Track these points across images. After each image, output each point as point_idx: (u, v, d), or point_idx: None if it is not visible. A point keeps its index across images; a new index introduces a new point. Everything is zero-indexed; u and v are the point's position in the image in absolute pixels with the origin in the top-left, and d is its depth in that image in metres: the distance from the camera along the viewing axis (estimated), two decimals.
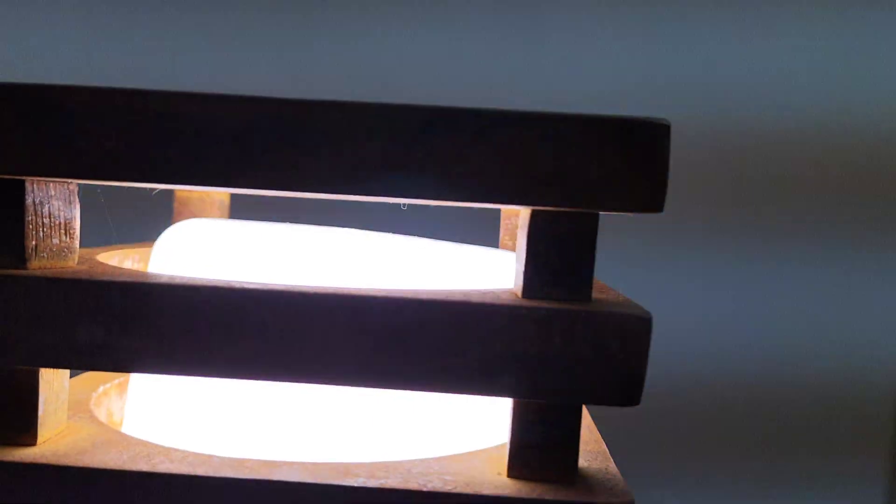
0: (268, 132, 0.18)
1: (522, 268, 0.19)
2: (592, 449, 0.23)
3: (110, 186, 0.21)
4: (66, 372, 0.21)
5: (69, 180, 0.20)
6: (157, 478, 0.19)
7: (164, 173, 0.18)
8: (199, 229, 0.25)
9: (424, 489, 0.19)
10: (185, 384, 0.23)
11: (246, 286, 0.19)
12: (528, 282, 0.19)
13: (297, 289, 0.19)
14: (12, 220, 0.19)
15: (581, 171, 0.18)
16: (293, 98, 0.18)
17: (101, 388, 0.26)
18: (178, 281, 0.19)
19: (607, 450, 0.23)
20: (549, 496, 0.19)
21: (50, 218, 0.20)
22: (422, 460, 0.21)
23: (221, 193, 0.36)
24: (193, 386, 0.23)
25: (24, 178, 0.19)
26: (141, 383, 0.25)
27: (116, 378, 0.28)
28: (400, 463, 0.20)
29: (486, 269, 0.24)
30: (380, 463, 0.20)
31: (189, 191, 0.34)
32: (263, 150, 0.18)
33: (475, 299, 0.19)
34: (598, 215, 0.19)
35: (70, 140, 0.18)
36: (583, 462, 0.21)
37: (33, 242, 0.20)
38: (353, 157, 0.18)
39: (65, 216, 0.21)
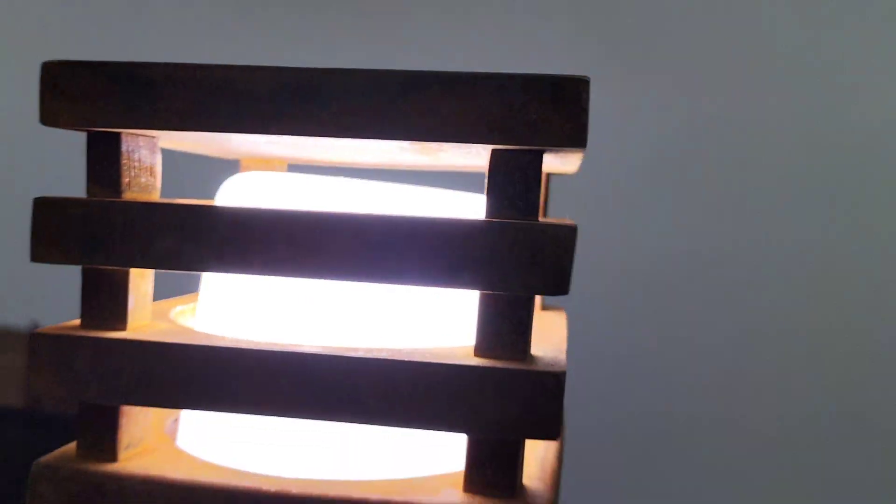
0: (293, 92, 0.25)
1: (486, 197, 0.25)
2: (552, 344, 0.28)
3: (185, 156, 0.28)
4: (151, 277, 0.28)
5: (151, 132, 0.27)
6: (222, 351, 0.25)
7: (219, 124, 0.25)
8: (256, 179, 0.32)
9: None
10: (242, 295, 0.30)
11: (279, 210, 0.25)
12: (490, 207, 0.25)
13: (317, 212, 0.25)
14: (111, 163, 0.27)
15: (523, 117, 0.24)
16: (309, 67, 0.25)
17: (178, 308, 0.34)
18: (228, 208, 0.26)
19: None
20: (511, 367, 0.25)
21: (139, 162, 0.27)
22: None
23: (281, 161, 0.42)
24: (248, 295, 0.30)
25: (119, 130, 0.26)
26: (207, 299, 0.32)
27: (191, 303, 0.35)
28: None
29: (470, 205, 0.30)
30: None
31: (251, 157, 0.41)
32: (290, 105, 0.25)
33: (448, 219, 0.25)
34: (541, 153, 0.25)
35: (152, 102, 0.25)
36: (537, 350, 0.27)
37: (126, 180, 0.27)
38: (354, 108, 0.24)
39: (149, 161, 0.28)
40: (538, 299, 0.41)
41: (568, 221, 0.25)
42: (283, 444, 0.28)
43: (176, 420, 0.32)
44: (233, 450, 0.28)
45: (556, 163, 0.30)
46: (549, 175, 0.39)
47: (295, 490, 0.25)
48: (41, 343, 0.26)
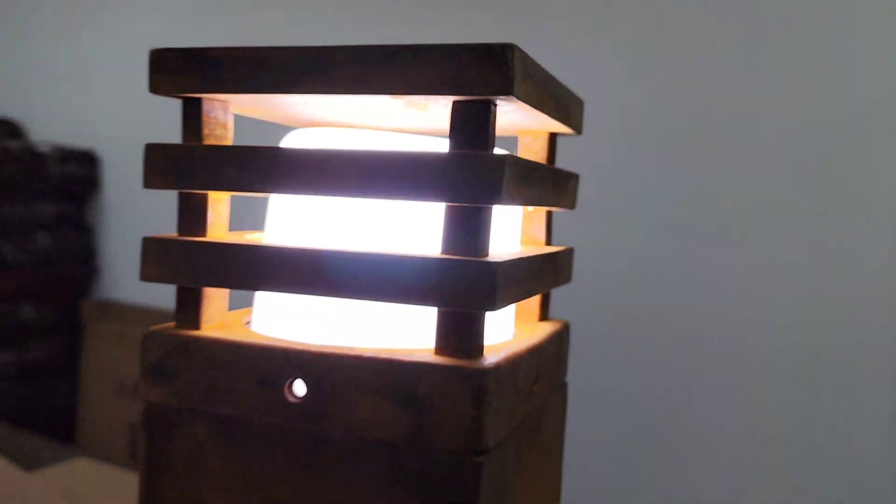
0: (310, 63, 0.35)
1: (449, 135, 0.34)
2: None
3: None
4: (226, 201, 0.39)
5: (221, 96, 0.38)
6: (264, 249, 0.36)
7: (263, 87, 0.36)
8: (296, 134, 0.42)
9: None
10: (288, 215, 0.41)
11: (300, 149, 0.35)
12: (453, 143, 0.34)
13: (326, 150, 0.35)
14: (196, 119, 0.38)
15: (468, 75, 0.33)
16: (319, 45, 0.35)
17: (254, 234, 0.45)
18: (269, 148, 0.36)
19: None
20: (466, 259, 0.34)
21: (215, 119, 0.38)
22: None
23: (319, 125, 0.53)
24: (291, 215, 0.40)
25: (200, 96, 0.37)
26: (269, 220, 0.42)
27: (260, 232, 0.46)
28: None
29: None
30: None
31: (298, 123, 0.52)
32: (308, 72, 0.35)
33: (421, 151, 0.34)
34: (488, 102, 0.34)
35: (220, 75, 0.36)
36: None
37: (206, 131, 0.38)
38: (352, 73, 0.34)
39: (223, 119, 0.39)
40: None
41: (503, 152, 0.34)
42: (312, 320, 0.38)
43: (248, 322, 0.43)
44: (276, 326, 0.39)
45: (555, 124, 0.39)
46: (554, 135, 0.47)
47: (319, 350, 0.35)
48: (150, 245, 0.38)
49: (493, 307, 0.33)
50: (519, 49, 0.33)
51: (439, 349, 0.35)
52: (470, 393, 0.33)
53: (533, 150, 0.46)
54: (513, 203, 0.34)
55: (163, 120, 0.87)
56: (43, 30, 2.18)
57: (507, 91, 0.33)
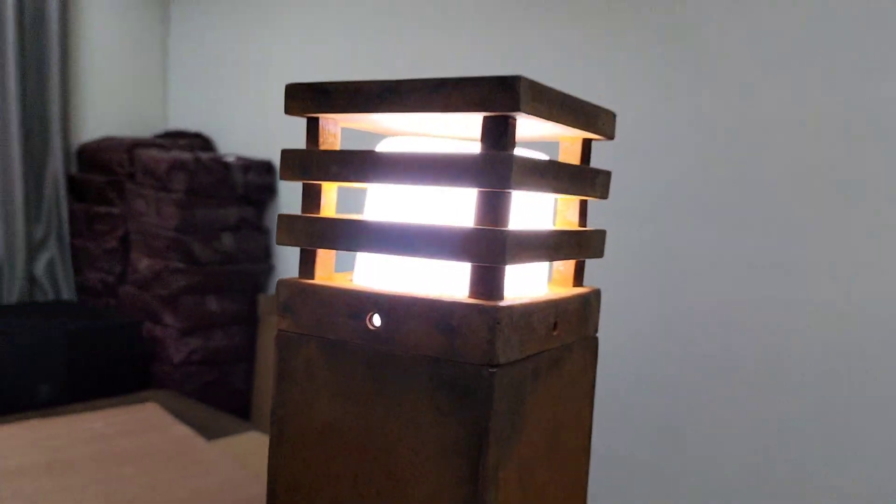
0: (387, 91, 0.50)
1: (480, 141, 0.48)
2: None
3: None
4: (334, 190, 0.55)
5: (332, 116, 0.54)
6: (355, 222, 0.52)
7: (358, 108, 0.51)
8: (386, 142, 0.57)
9: None
10: (377, 199, 0.56)
11: (380, 152, 0.51)
12: (482, 147, 0.48)
13: (394, 152, 0.50)
14: (314, 132, 0.54)
15: (492, 97, 0.47)
16: (393, 79, 0.50)
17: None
18: (360, 150, 0.52)
19: None
20: (487, 228, 0.47)
21: (327, 132, 0.55)
22: None
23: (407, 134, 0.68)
24: (378, 199, 0.56)
25: (317, 115, 0.54)
26: (367, 203, 0.58)
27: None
28: None
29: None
30: None
31: (388, 132, 0.67)
32: (386, 98, 0.50)
33: (461, 153, 0.48)
34: (506, 118, 0.47)
35: (330, 101, 0.52)
36: None
37: (321, 139, 0.54)
38: (415, 98, 0.49)
39: (334, 131, 0.55)
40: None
41: (532, 154, 0.47)
42: (387, 272, 0.53)
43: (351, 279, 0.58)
44: (365, 277, 0.55)
45: (585, 132, 0.52)
46: (588, 140, 0.59)
47: (390, 293, 0.50)
48: (283, 219, 0.55)
49: (505, 263, 0.47)
50: (525, 78, 0.46)
51: (470, 294, 0.49)
52: (486, 323, 0.47)
53: (571, 153, 0.59)
54: (522, 189, 0.48)
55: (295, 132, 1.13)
56: (229, 63, 2.57)
57: (516, 109, 0.46)
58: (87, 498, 0.87)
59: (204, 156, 2.48)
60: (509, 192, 0.48)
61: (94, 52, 3.05)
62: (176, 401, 1.36)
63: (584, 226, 0.60)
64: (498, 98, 0.46)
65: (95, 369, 2.33)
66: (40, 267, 2.96)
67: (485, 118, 0.48)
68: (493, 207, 0.48)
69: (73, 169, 3.02)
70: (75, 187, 2.97)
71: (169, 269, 2.45)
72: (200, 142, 2.86)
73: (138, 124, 3.17)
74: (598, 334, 0.60)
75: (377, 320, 0.51)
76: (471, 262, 0.48)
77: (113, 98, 3.14)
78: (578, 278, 0.60)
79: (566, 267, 0.60)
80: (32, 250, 2.94)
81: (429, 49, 2.03)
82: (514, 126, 0.48)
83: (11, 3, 2.76)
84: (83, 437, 1.08)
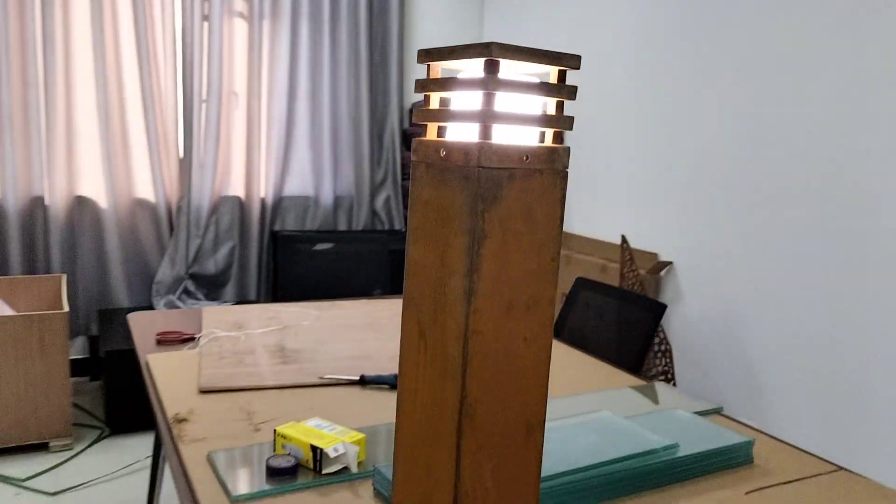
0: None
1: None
2: None
3: None
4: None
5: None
6: None
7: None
8: None
9: None
10: None
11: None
12: (483, 74, 0.92)
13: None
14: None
15: (485, 50, 0.90)
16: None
17: None
18: None
19: None
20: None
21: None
22: None
23: None
24: None
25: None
26: None
27: None
28: None
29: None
30: None
31: None
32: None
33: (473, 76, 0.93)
34: (492, 61, 0.90)
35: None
36: None
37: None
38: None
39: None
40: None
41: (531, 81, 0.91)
42: None
43: None
44: None
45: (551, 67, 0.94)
46: (563, 71, 0.96)
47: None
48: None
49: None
50: (497, 43, 0.89)
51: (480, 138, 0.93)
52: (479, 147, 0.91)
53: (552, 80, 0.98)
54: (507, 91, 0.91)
55: None
56: (541, 45, 3.12)
57: (490, 55, 0.89)
58: (390, 339, 1.57)
59: None
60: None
61: (424, 29, 3.80)
62: None
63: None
64: (484, 49, 0.90)
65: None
66: (379, 202, 3.82)
67: (485, 62, 0.92)
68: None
69: (405, 124, 3.81)
70: (407, 139, 3.76)
71: None
72: None
73: None
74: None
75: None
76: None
77: None
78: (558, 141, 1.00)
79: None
80: (374, 189, 3.79)
81: None
82: (498, 66, 0.91)
83: None
84: (392, 311, 1.96)
